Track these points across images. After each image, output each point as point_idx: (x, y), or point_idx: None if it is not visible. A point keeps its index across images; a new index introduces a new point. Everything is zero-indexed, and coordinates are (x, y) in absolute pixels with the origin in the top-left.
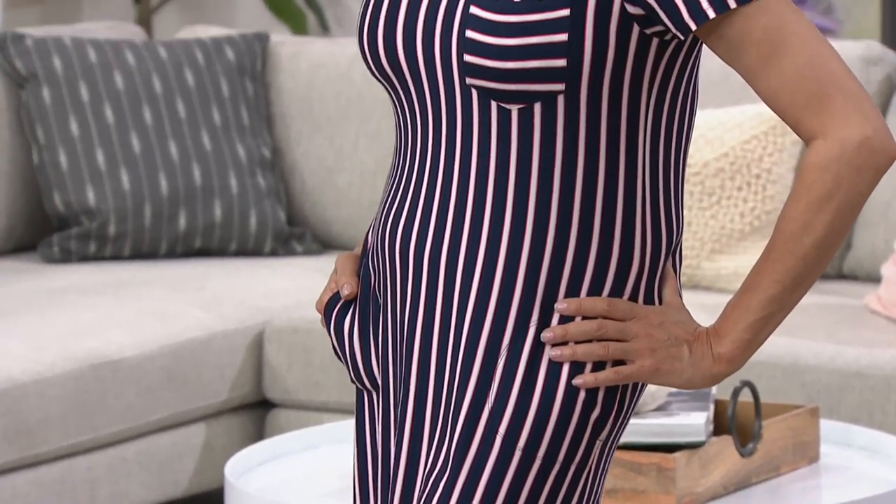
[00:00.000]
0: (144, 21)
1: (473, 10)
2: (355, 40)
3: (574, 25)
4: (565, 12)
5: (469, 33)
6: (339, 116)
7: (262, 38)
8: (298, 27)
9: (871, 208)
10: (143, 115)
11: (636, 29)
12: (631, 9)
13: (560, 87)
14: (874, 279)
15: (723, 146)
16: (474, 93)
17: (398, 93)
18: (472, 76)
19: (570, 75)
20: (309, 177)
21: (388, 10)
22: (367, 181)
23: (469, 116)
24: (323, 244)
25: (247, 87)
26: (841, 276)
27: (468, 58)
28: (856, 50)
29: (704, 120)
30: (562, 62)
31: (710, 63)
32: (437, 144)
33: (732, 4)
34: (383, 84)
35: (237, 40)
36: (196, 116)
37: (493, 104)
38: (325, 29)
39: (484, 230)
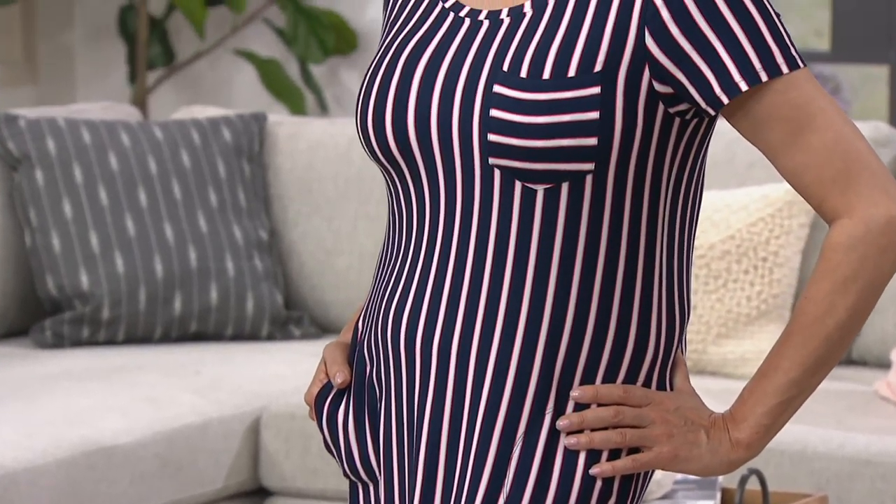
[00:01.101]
0: (140, 101)
1: (498, 88)
2: (353, 120)
3: (605, 103)
4: (596, 90)
5: (494, 112)
6: (338, 197)
7: (260, 119)
8: (297, 107)
9: None
10: (139, 197)
11: (661, 108)
12: (659, 87)
13: (590, 166)
14: (884, 365)
15: (728, 228)
16: (497, 173)
17: (403, 178)
18: (496, 156)
19: (600, 154)
20: (307, 259)
21: (397, 94)
22: (366, 264)
23: (488, 197)
24: (321, 328)
25: (244, 167)
26: (850, 361)
27: (493, 137)
28: (864, 131)
29: (710, 202)
30: (593, 141)
31: (714, 144)
32: (448, 227)
33: (763, 77)
34: (385, 167)
35: (234, 121)
36: (192, 198)
37: (518, 185)
38: (323, 109)
39: (500, 316)
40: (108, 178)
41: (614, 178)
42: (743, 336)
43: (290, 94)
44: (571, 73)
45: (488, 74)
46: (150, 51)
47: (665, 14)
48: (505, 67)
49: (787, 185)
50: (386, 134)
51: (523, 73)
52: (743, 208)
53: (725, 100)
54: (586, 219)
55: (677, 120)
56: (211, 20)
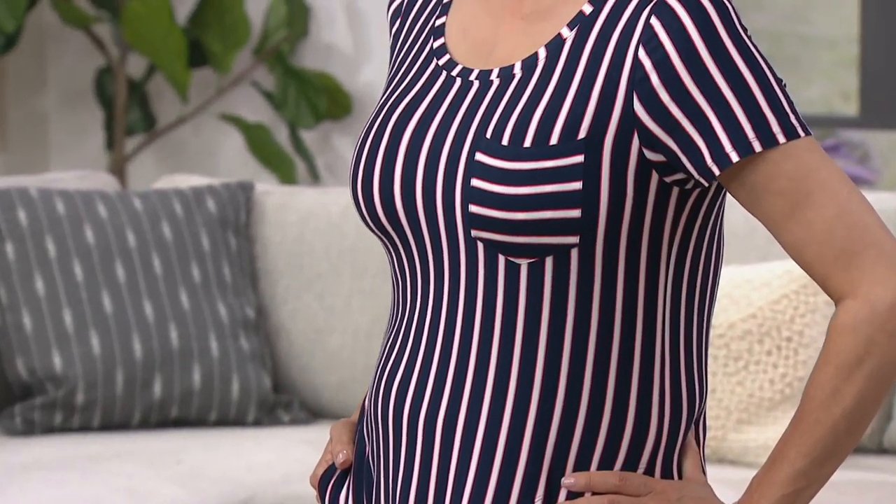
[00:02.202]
0: (118, 170)
1: (479, 157)
2: (348, 190)
3: (588, 173)
4: (579, 159)
5: (475, 182)
6: (331, 272)
7: (247, 188)
8: (286, 176)
9: None
10: (116, 272)
11: (655, 177)
12: (650, 155)
13: (574, 239)
14: None
15: (750, 306)
16: (480, 246)
17: (396, 247)
18: (477, 228)
19: (584, 227)
20: (297, 339)
21: (384, 160)
22: (360, 343)
23: (473, 271)
24: (312, 413)
25: (229, 240)
26: (881, 450)
27: (473, 208)
28: (892, 202)
29: (729, 277)
30: (576, 213)
31: (734, 216)
32: (437, 301)
33: (757, 148)
34: (380, 238)
35: (219, 190)
36: (174, 273)
37: (501, 258)
38: (315, 177)
39: (486, 395)
40: (84, 251)
41: (603, 251)
42: (765, 422)
43: (280, 162)
44: (554, 140)
45: (472, 141)
46: (128, 116)
47: (655, 79)
48: (488, 134)
49: None
50: (374, 202)
51: (505, 141)
52: (765, 284)
53: (717, 171)
54: (574, 294)
55: (675, 189)
56: (194, 83)
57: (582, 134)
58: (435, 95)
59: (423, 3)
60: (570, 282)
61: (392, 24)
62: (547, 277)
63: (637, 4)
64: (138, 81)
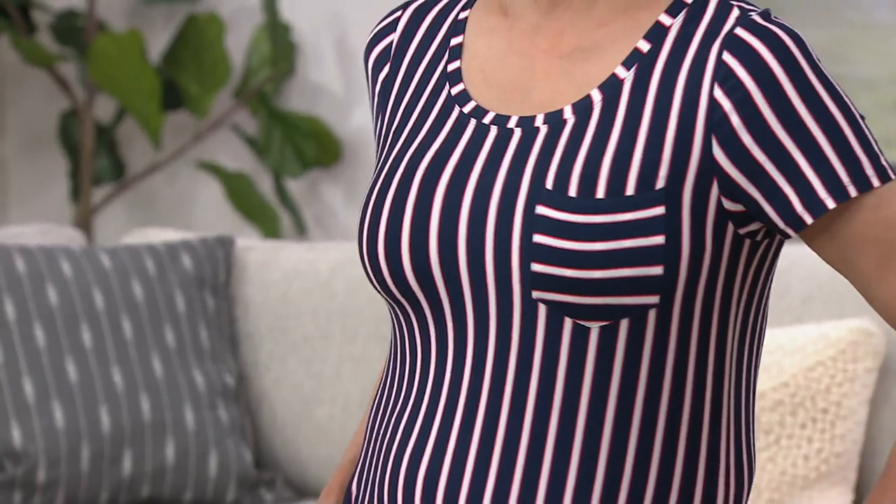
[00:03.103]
0: (84, 223)
1: (542, 210)
2: (338, 244)
3: (670, 226)
4: (660, 210)
5: (538, 238)
6: (319, 336)
7: (226, 243)
8: (270, 229)
9: None
10: (81, 337)
11: (731, 228)
12: (729, 204)
13: (654, 300)
14: None
15: (782, 374)
16: (542, 309)
17: (420, 310)
18: (541, 288)
19: (666, 285)
20: (281, 409)
21: (415, 216)
22: (351, 415)
23: (530, 336)
24: (297, 491)
25: (207, 301)
26: None
27: (537, 267)
28: None
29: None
30: (658, 270)
31: None
32: (477, 370)
33: (853, 192)
34: (398, 301)
35: (196, 246)
36: (145, 337)
37: (568, 322)
38: (301, 231)
39: (542, 479)
40: (46, 313)
41: (680, 311)
42: (799, 503)
43: (263, 214)
44: (630, 190)
45: (528, 193)
46: (96, 163)
47: (735, 119)
48: (548, 185)
49: (851, 323)
50: (402, 263)
51: (572, 192)
52: (799, 350)
53: (809, 220)
54: (648, 360)
55: (747, 242)
56: (168, 127)
57: (660, 183)
58: (468, 145)
59: (420, 45)
60: (645, 346)
61: (377, 69)
62: (620, 342)
63: (703, 40)
64: (107, 126)
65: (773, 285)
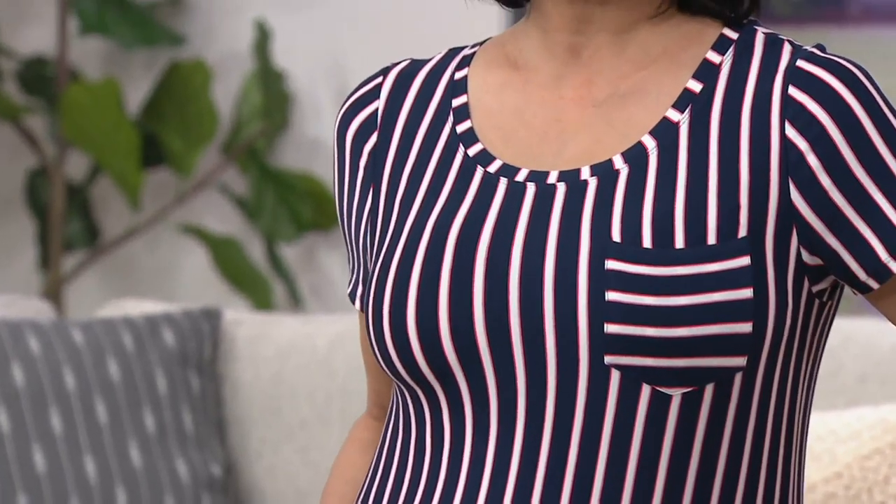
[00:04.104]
0: (53, 294)
1: (613, 264)
2: (337, 317)
3: (757, 277)
4: (745, 261)
5: (612, 295)
6: (316, 420)
7: (213, 316)
8: (261, 300)
9: None
10: (50, 421)
11: (806, 285)
12: (807, 257)
13: (742, 361)
14: None
15: (834, 463)
16: (614, 376)
17: (453, 391)
18: (616, 351)
19: (754, 344)
20: (274, 502)
21: (453, 286)
22: None
23: (598, 407)
24: None
25: (191, 381)
26: None
27: (612, 328)
28: None
29: (810, 427)
30: (747, 327)
31: None
32: (528, 457)
33: None
34: (424, 380)
35: (179, 319)
36: (121, 422)
37: (645, 391)
38: (296, 302)
39: None
40: (11, 396)
41: (763, 373)
42: None
43: (253, 283)
44: (711, 239)
45: (591, 248)
46: (67, 227)
47: (812, 160)
48: (615, 237)
49: None
50: (439, 336)
51: (646, 243)
52: (853, 436)
53: None
54: (730, 428)
55: (817, 301)
56: (148, 187)
57: (742, 231)
58: (504, 205)
59: (413, 110)
60: (728, 414)
61: (361, 139)
62: (703, 410)
63: (760, 75)
64: (79, 185)
65: (823, 363)
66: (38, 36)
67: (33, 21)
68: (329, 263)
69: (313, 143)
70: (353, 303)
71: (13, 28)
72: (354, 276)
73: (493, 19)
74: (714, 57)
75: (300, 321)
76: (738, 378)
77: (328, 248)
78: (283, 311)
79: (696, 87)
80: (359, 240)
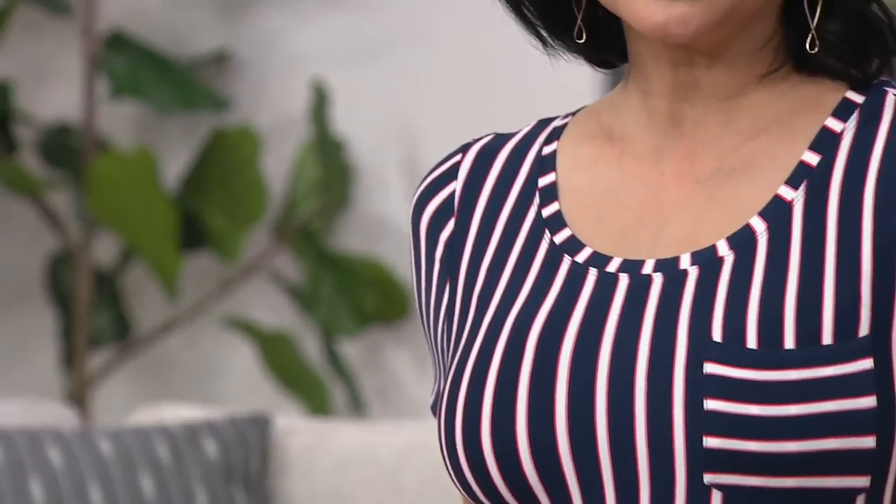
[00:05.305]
0: (78, 397)
1: (713, 367)
2: (405, 424)
3: (882, 383)
4: (867, 364)
5: (712, 404)
6: None
7: (261, 423)
8: (317, 404)
9: None
10: None
11: None
12: None
13: (864, 481)
14: None
15: None
16: (715, 497)
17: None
18: (718, 469)
19: (878, 462)
20: None
21: (532, 391)
22: None
23: None
24: None
25: (236, 498)
26: None
27: (713, 441)
28: None
29: None
30: (870, 441)
31: None
32: None
33: None
34: (496, 499)
35: (222, 426)
36: None
37: None
38: (358, 407)
39: None
40: None
41: (892, 498)
42: None
43: (308, 385)
44: (827, 338)
45: (688, 348)
46: (94, 320)
47: None
48: (716, 336)
49: None
50: (517, 448)
51: (751, 343)
52: None
53: None
54: None
55: None
56: (189, 273)
57: (864, 329)
58: (592, 300)
59: (495, 191)
60: None
61: (437, 227)
62: None
63: (889, 144)
64: (108, 272)
65: None
66: (61, 99)
67: (56, 82)
68: (396, 362)
69: (378, 223)
70: (434, 415)
71: (33, 90)
72: (437, 385)
73: (586, 78)
74: (834, 124)
75: (362, 429)
76: (859, 502)
77: (395, 343)
78: (342, 417)
79: (812, 159)
80: (437, 343)
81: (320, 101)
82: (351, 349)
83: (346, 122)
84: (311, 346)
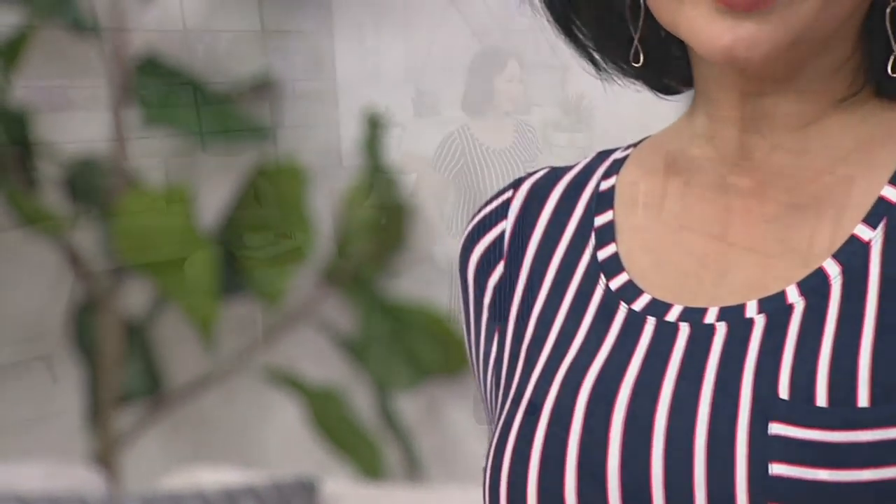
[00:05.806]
0: (105, 458)
1: (778, 428)
2: (466, 487)
3: None
4: None
5: (778, 469)
6: None
7: (308, 488)
8: (370, 466)
9: None
10: None
11: None
12: None
13: None
14: None
15: None
16: None
17: None
18: None
19: None
20: None
21: (582, 445)
22: None
23: None
24: None
25: None
26: None
27: None
28: None
29: None
30: None
31: None
32: None
33: None
34: None
35: (264, 491)
36: None
37: None
38: (413, 467)
39: None
40: None
41: None
42: None
43: (359, 445)
44: None
45: (753, 407)
46: (123, 374)
47: None
48: (782, 394)
49: None
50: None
51: (820, 401)
52: None
53: None
54: None
55: None
56: (227, 321)
57: None
58: (649, 353)
59: (548, 231)
60: None
61: (484, 271)
62: None
63: None
64: (138, 320)
65: None
66: (87, 129)
67: (81, 110)
68: (456, 419)
69: (437, 267)
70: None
71: (56, 119)
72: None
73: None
74: None
75: (419, 494)
76: None
77: (455, 398)
78: (396, 480)
79: (893, 195)
80: (487, 396)
81: (374, 133)
82: (406, 405)
83: (402, 154)
84: (362, 402)
